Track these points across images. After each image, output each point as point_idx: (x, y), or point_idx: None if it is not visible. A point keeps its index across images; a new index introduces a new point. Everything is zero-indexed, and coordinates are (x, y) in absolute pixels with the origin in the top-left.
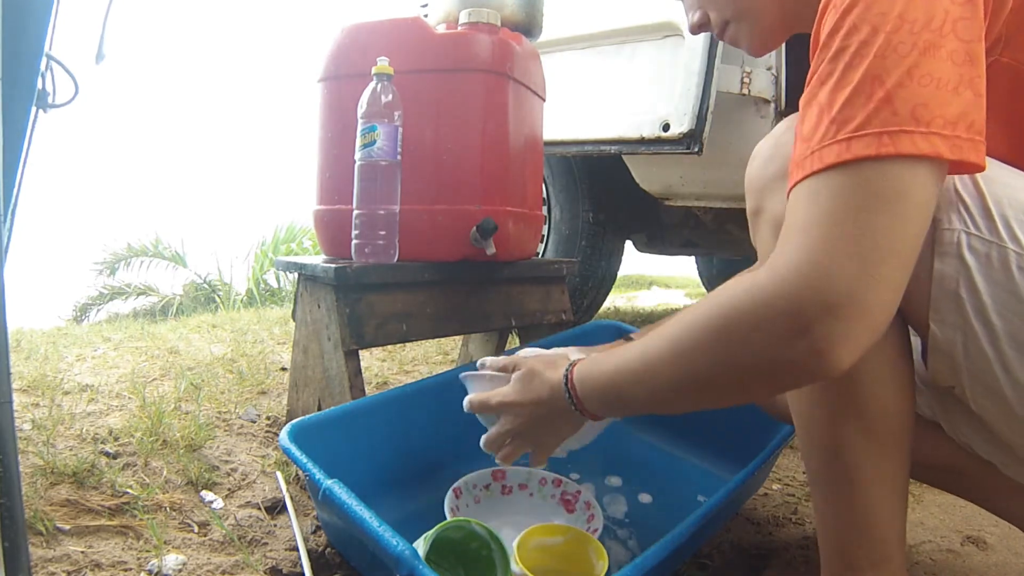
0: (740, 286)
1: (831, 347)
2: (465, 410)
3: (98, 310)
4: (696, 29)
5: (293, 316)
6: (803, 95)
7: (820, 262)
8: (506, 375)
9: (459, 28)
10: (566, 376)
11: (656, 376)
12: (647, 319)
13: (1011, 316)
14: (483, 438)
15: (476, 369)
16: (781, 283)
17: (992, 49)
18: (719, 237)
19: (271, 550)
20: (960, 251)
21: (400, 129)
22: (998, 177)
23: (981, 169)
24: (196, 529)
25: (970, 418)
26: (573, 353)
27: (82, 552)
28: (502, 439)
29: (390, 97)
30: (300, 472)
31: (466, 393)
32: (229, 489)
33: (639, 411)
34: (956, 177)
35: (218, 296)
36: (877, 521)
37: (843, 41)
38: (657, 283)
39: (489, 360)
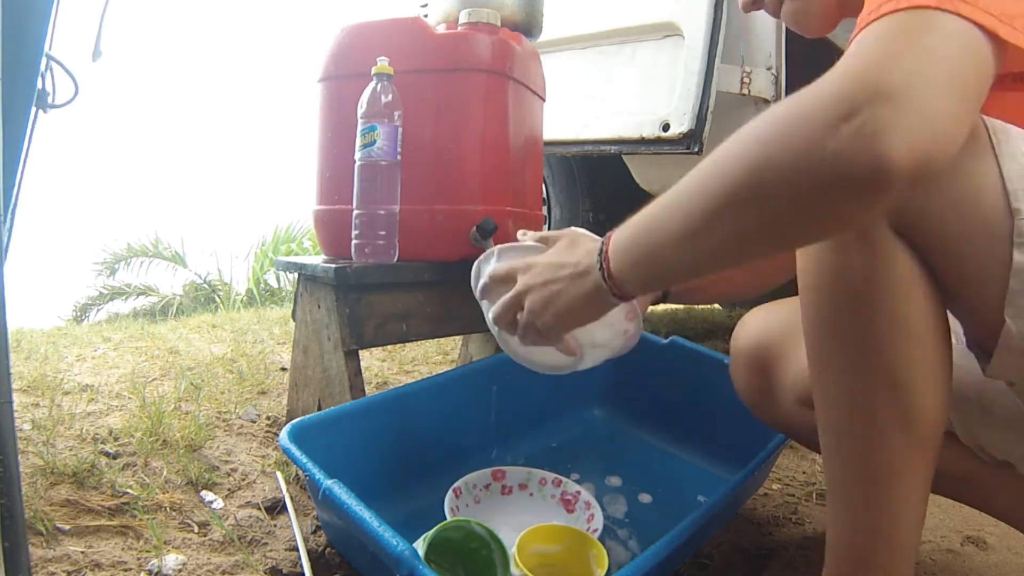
0: (791, 98)
1: (882, 132)
2: (482, 288)
3: (98, 310)
4: (750, 6)
5: (293, 316)
6: None
7: (874, 57)
8: (544, 247)
9: (459, 28)
10: (603, 241)
11: (690, 205)
12: (646, 319)
13: None
14: (494, 308)
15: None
16: (830, 78)
17: None
18: None
19: (271, 550)
20: None
21: (400, 129)
22: None
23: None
24: (196, 529)
25: (991, 419)
26: None
27: (82, 552)
28: (513, 306)
29: (390, 97)
30: (300, 472)
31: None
32: (229, 489)
33: (673, 267)
34: None
35: (218, 296)
36: (903, 528)
37: None
38: None
39: (531, 232)
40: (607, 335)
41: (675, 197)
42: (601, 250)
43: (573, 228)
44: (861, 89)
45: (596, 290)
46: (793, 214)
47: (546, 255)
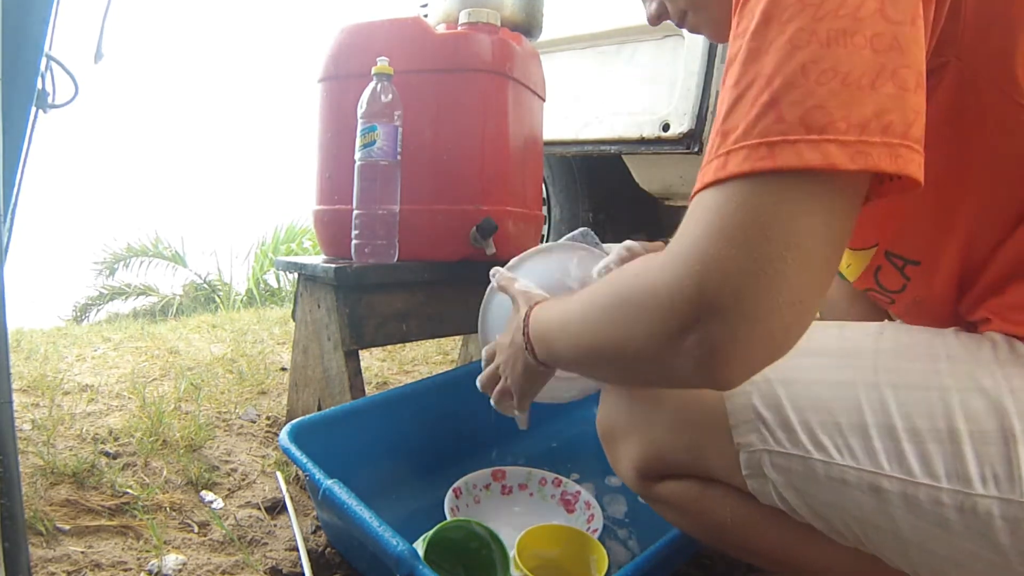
0: (644, 263)
1: (717, 355)
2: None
3: (98, 310)
4: (654, 20)
5: (293, 316)
6: None
7: (706, 256)
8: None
9: (459, 28)
10: (526, 314)
11: (571, 337)
12: None
13: (826, 515)
14: (479, 380)
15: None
16: (666, 272)
17: (945, 50)
18: None
19: (271, 550)
20: (764, 471)
21: (400, 129)
22: (802, 374)
23: (915, 183)
24: (196, 529)
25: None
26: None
27: (82, 552)
28: (492, 377)
29: (390, 97)
30: (300, 472)
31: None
32: (229, 489)
33: (570, 367)
34: (753, 390)
35: (218, 296)
36: None
37: (738, 30)
38: None
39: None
40: (578, 386)
41: (561, 325)
42: (524, 328)
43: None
44: (694, 305)
45: (531, 365)
46: (646, 382)
47: (503, 333)
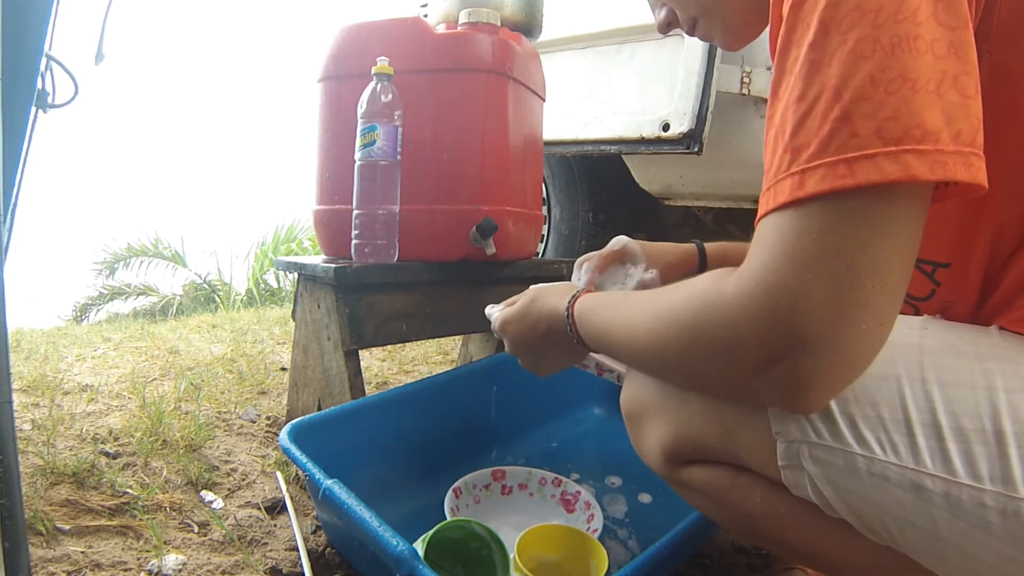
0: (714, 290)
1: (802, 386)
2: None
3: (98, 310)
4: (664, 28)
5: (293, 316)
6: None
7: (788, 288)
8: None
9: (459, 28)
10: (568, 307)
11: (637, 350)
12: None
13: (864, 511)
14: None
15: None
16: (745, 303)
17: (980, 45)
18: (719, 237)
19: (271, 550)
20: (802, 463)
21: (400, 129)
22: None
23: (980, 190)
24: (196, 529)
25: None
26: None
27: (82, 552)
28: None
29: (390, 97)
30: (300, 472)
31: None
32: (229, 489)
33: (624, 360)
34: None
35: (218, 296)
36: None
37: (791, 38)
38: None
39: (496, 306)
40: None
41: (626, 336)
42: (568, 319)
43: (532, 287)
44: (778, 333)
45: (572, 343)
46: (719, 396)
47: (514, 319)
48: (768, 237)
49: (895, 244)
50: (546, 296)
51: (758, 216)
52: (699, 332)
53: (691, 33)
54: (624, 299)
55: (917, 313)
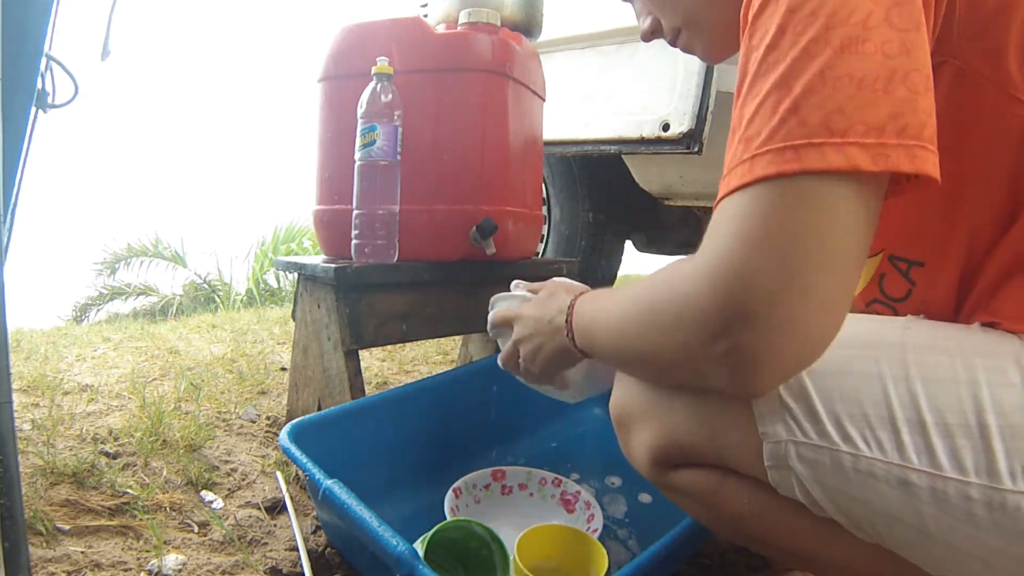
0: (674, 268)
1: (751, 360)
2: (488, 329)
3: (98, 310)
4: (648, 36)
5: (293, 316)
6: None
7: (736, 266)
8: (532, 295)
9: (459, 28)
10: (571, 303)
11: (609, 336)
12: None
13: (851, 509)
14: (499, 357)
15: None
16: (698, 283)
17: (941, 49)
18: None
19: (271, 550)
20: (789, 463)
21: (400, 129)
22: (831, 365)
23: (934, 182)
24: (196, 529)
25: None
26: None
27: (82, 552)
28: (513, 354)
29: (390, 97)
30: (300, 472)
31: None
32: (229, 489)
33: (609, 361)
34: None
35: (218, 296)
36: None
37: (752, 43)
38: None
39: (524, 282)
40: (601, 373)
41: (603, 325)
42: (567, 315)
43: (554, 279)
44: (726, 314)
45: (566, 347)
46: (683, 382)
47: (529, 307)
48: (720, 219)
49: (842, 229)
50: (561, 292)
51: (715, 204)
52: (657, 308)
53: (673, 44)
54: (611, 292)
55: (896, 315)
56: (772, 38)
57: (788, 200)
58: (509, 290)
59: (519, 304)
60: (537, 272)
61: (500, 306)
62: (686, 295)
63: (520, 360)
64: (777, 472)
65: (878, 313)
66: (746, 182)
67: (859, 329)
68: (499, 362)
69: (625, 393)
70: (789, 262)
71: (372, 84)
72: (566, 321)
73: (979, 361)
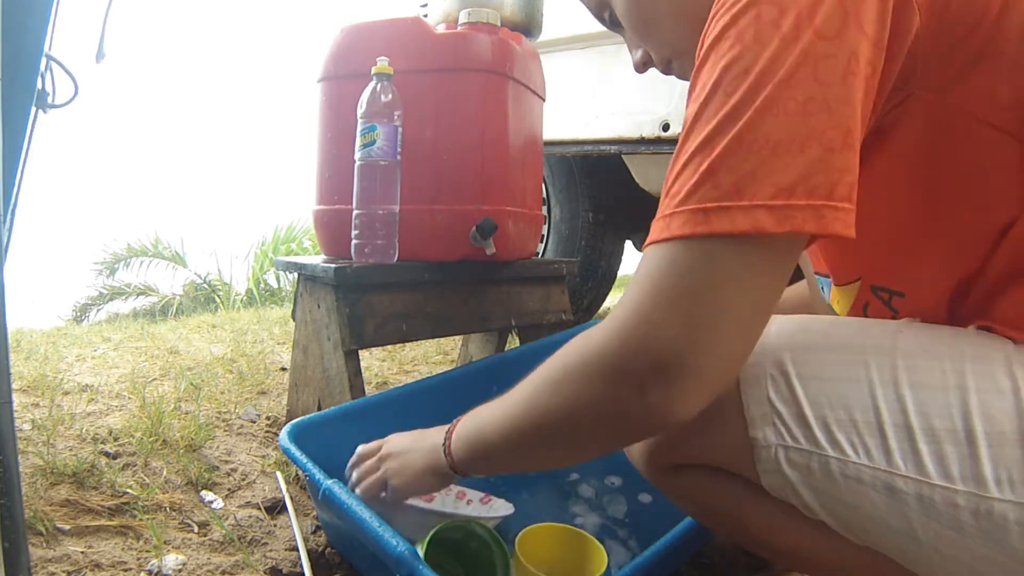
0: (583, 337)
1: (664, 407)
2: (346, 472)
3: (98, 310)
4: (640, 68)
5: (293, 316)
6: None
7: (647, 320)
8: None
9: (459, 28)
10: (450, 426)
11: (512, 424)
12: None
13: (841, 514)
14: (356, 474)
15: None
16: (611, 337)
17: (907, 83)
18: None
19: (271, 550)
20: (780, 467)
21: (400, 129)
22: (820, 370)
23: (841, 236)
24: (196, 529)
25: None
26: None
27: (82, 552)
28: (374, 467)
29: (390, 97)
30: (300, 472)
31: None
32: (229, 489)
33: (502, 464)
34: (770, 384)
35: (218, 296)
36: None
37: (692, 97)
38: None
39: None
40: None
41: (500, 417)
42: (446, 437)
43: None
44: (638, 360)
45: (439, 465)
46: (593, 449)
47: (401, 435)
48: (637, 274)
49: (747, 287)
50: (430, 431)
51: (645, 246)
52: (570, 368)
53: (666, 72)
54: (497, 400)
55: None
56: (706, 95)
57: (696, 260)
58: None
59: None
60: (537, 272)
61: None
62: (601, 350)
63: (381, 472)
64: (769, 476)
65: None
66: (662, 238)
67: (852, 332)
68: (355, 486)
69: None
70: (693, 320)
71: (372, 84)
72: (444, 439)
73: (969, 366)
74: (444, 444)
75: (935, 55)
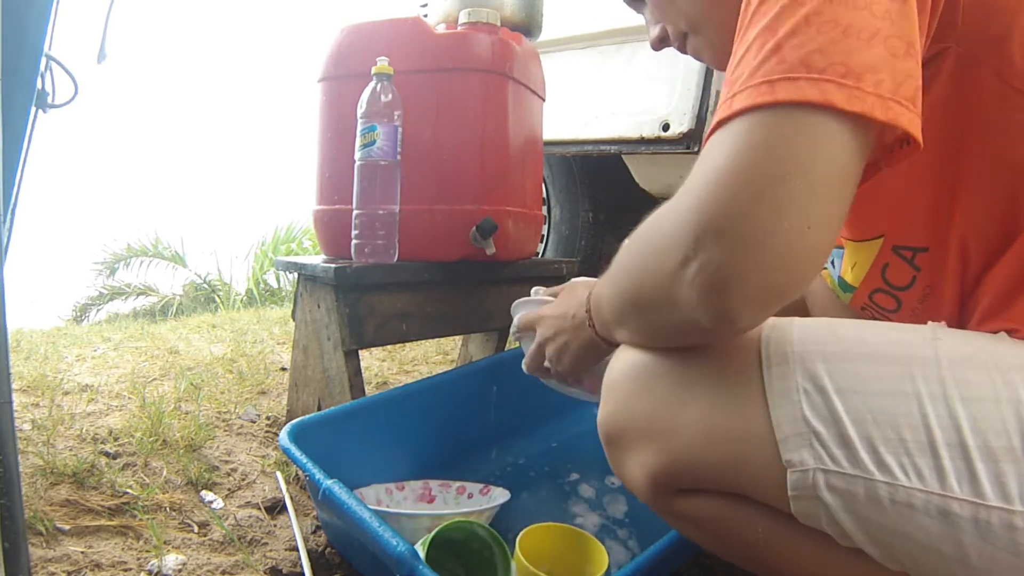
0: (657, 210)
1: (719, 281)
2: (512, 334)
3: (98, 310)
4: (657, 45)
5: (293, 316)
6: None
7: (712, 185)
8: (552, 299)
9: (459, 28)
10: (589, 295)
11: (610, 293)
12: None
13: (884, 541)
14: (524, 362)
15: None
16: (674, 205)
17: (946, 36)
18: None
19: (271, 550)
20: (817, 492)
21: (400, 129)
22: (861, 384)
23: (914, 140)
24: (196, 529)
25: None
26: None
27: (82, 552)
28: (538, 356)
29: (390, 97)
30: (300, 472)
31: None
32: (229, 489)
33: (615, 331)
34: (804, 400)
35: (218, 296)
36: None
37: (745, 25)
38: None
39: (543, 288)
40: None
41: (605, 283)
42: (587, 305)
43: (573, 280)
44: (695, 231)
45: (591, 340)
46: (664, 335)
47: (551, 307)
48: (703, 155)
49: (817, 155)
50: (580, 287)
51: (712, 125)
52: (642, 241)
53: (682, 50)
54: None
55: (899, 304)
56: (763, 2)
57: (760, 128)
58: (526, 294)
59: (539, 308)
60: (537, 272)
61: (521, 311)
62: (663, 222)
63: (547, 362)
64: (803, 503)
65: (879, 304)
66: (725, 117)
67: (883, 340)
68: (524, 367)
69: (619, 408)
70: (758, 179)
71: (372, 84)
72: (587, 312)
73: (1018, 376)
74: (588, 317)
75: (975, 11)
